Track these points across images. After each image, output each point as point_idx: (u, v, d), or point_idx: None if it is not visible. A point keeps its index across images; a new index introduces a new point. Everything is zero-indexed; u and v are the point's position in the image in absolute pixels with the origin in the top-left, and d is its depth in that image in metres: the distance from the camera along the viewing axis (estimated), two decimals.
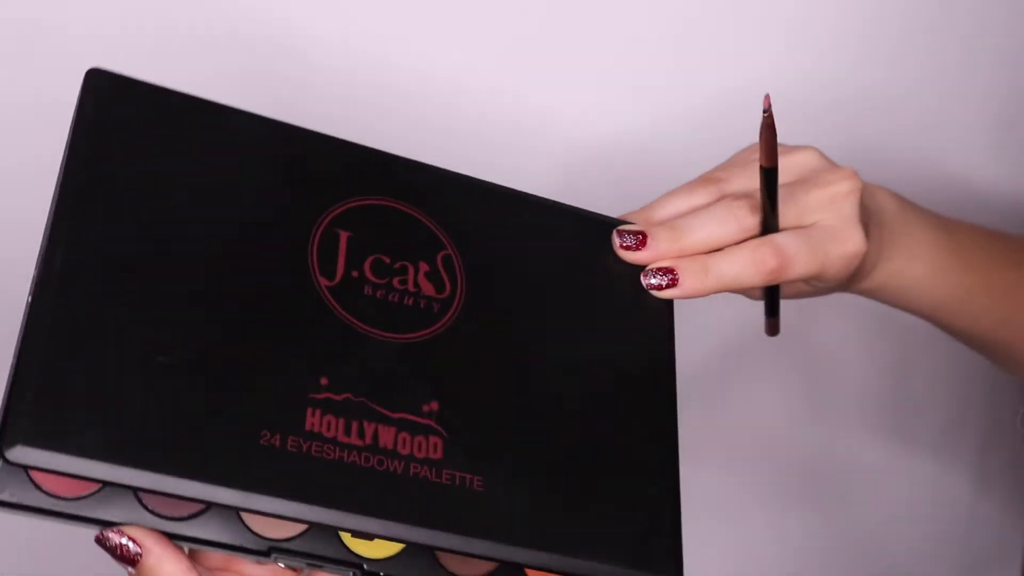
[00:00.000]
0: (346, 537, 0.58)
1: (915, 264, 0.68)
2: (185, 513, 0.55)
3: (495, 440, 0.56)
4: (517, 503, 0.54)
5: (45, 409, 0.49)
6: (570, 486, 0.56)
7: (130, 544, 0.54)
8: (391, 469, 0.53)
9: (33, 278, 0.52)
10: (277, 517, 0.53)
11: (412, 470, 0.54)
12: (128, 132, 0.55)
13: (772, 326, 0.68)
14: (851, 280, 0.67)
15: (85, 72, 0.55)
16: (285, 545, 0.57)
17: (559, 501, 0.55)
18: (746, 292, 0.66)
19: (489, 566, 0.60)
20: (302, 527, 0.57)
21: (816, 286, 0.65)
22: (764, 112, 0.58)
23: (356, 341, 0.56)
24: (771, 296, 0.66)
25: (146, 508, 0.55)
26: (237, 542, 0.56)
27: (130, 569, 0.55)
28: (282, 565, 0.55)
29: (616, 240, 0.62)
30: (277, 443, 0.52)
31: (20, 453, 0.48)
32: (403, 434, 0.54)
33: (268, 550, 0.57)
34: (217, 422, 0.52)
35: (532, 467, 0.56)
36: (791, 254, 0.61)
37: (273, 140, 0.59)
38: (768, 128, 0.58)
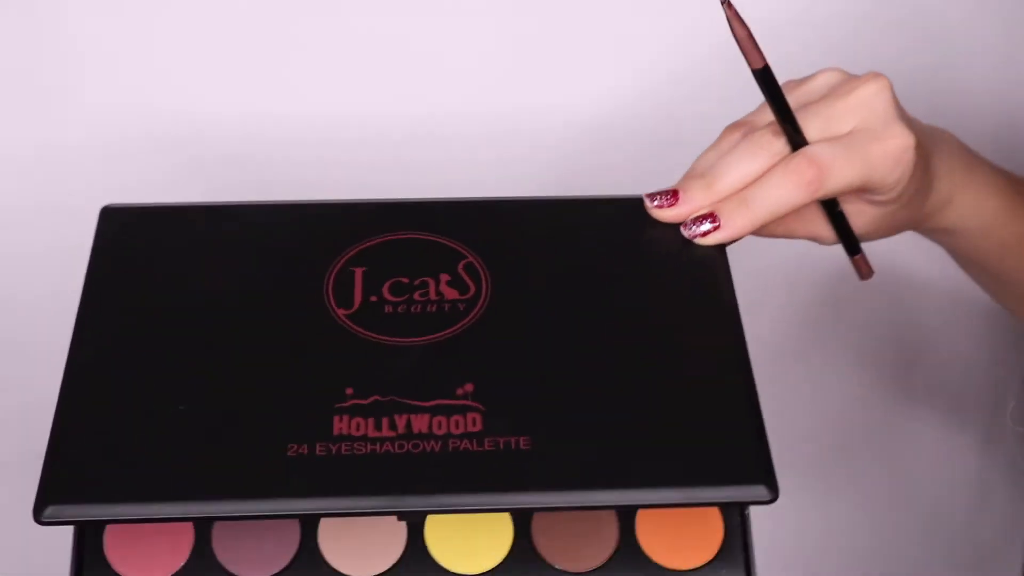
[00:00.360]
0: (442, 557, 0.54)
1: (988, 202, 0.64)
2: (268, 572, 0.54)
3: (539, 402, 0.52)
4: (575, 451, 0.50)
5: (75, 470, 0.50)
6: (635, 423, 0.51)
7: None
8: (429, 449, 0.50)
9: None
10: (311, 517, 0.52)
11: (452, 445, 0.50)
12: (141, 244, 0.58)
13: (859, 266, 0.62)
14: (927, 215, 0.63)
15: (100, 210, 0.60)
16: None
17: (624, 439, 0.50)
18: (817, 238, 0.60)
19: (604, 552, 0.55)
20: (393, 560, 0.54)
21: (879, 202, 0.59)
22: (723, 3, 0.53)
23: (380, 353, 0.53)
24: (839, 228, 0.60)
25: (233, 575, 0.54)
26: None
27: None
28: None
29: (649, 203, 0.58)
30: (305, 451, 0.50)
31: (55, 511, 0.49)
32: (438, 417, 0.51)
33: None
34: (241, 446, 0.50)
35: (585, 417, 0.51)
36: (827, 159, 0.55)
37: (275, 218, 0.59)
38: (736, 22, 0.54)
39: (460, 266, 0.57)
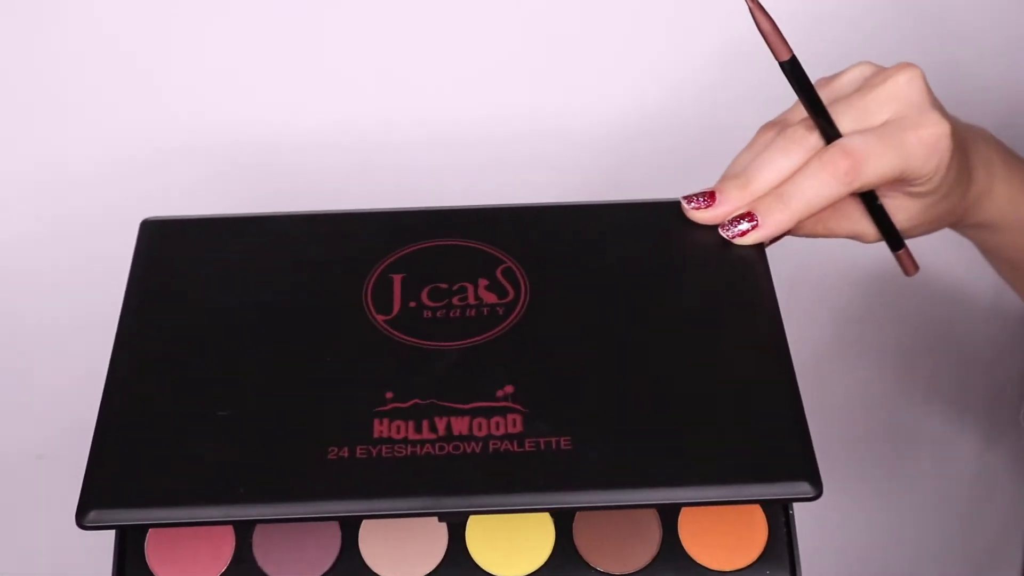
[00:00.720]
0: (484, 560, 0.54)
1: None
2: None
3: (579, 403, 0.51)
4: (616, 450, 0.49)
5: (117, 475, 0.50)
6: (676, 422, 0.50)
7: None
8: (469, 451, 0.50)
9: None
10: (352, 519, 0.52)
11: (492, 447, 0.49)
12: (181, 254, 0.59)
13: (904, 261, 0.61)
14: (966, 208, 0.62)
15: (140, 224, 0.60)
16: None
17: (666, 438, 0.50)
18: (858, 235, 0.60)
19: (647, 554, 0.54)
20: (434, 563, 0.54)
21: (918, 193, 0.58)
22: None
23: (419, 357, 0.52)
24: (880, 223, 0.59)
25: None
26: None
27: None
28: None
29: (686, 205, 0.57)
30: (346, 454, 0.50)
31: (97, 516, 0.49)
32: (478, 419, 0.51)
33: None
34: (282, 450, 0.50)
35: (626, 417, 0.51)
36: (861, 150, 0.55)
37: (313, 227, 0.60)
38: (760, 14, 0.53)
39: (499, 271, 0.56)
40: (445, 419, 0.50)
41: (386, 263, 0.57)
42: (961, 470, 0.94)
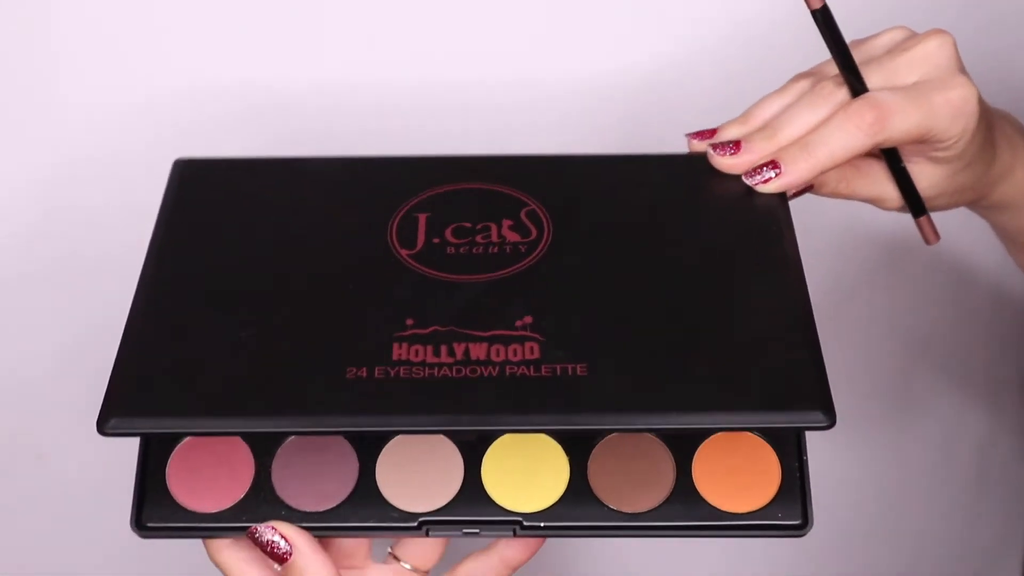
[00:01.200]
0: (498, 495, 0.55)
1: None
2: (326, 506, 0.54)
3: (597, 333, 0.52)
4: (632, 377, 0.50)
5: (140, 385, 0.51)
6: (692, 351, 0.51)
7: (281, 542, 0.53)
8: (486, 375, 0.50)
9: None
10: (365, 435, 0.52)
11: (509, 371, 0.50)
12: (212, 190, 0.60)
13: (925, 228, 0.62)
14: (988, 184, 0.62)
15: (172, 163, 0.61)
16: (435, 516, 0.54)
17: (681, 366, 0.50)
18: (879, 199, 0.60)
19: (660, 494, 0.55)
20: (449, 496, 0.55)
21: (942, 159, 0.59)
22: None
23: (440, 288, 0.53)
24: (903, 186, 0.60)
25: (291, 508, 0.54)
26: (386, 523, 0.54)
27: (277, 567, 0.54)
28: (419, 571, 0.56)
29: (712, 152, 0.58)
30: (364, 374, 0.50)
31: (118, 423, 0.50)
32: (496, 346, 0.51)
33: (419, 524, 0.54)
34: (301, 369, 0.51)
35: (642, 346, 0.51)
36: (888, 103, 0.55)
37: (342, 169, 0.61)
38: None
39: (523, 213, 0.57)
40: (464, 344, 0.51)
41: (411, 203, 0.58)
42: (961, 470, 0.94)
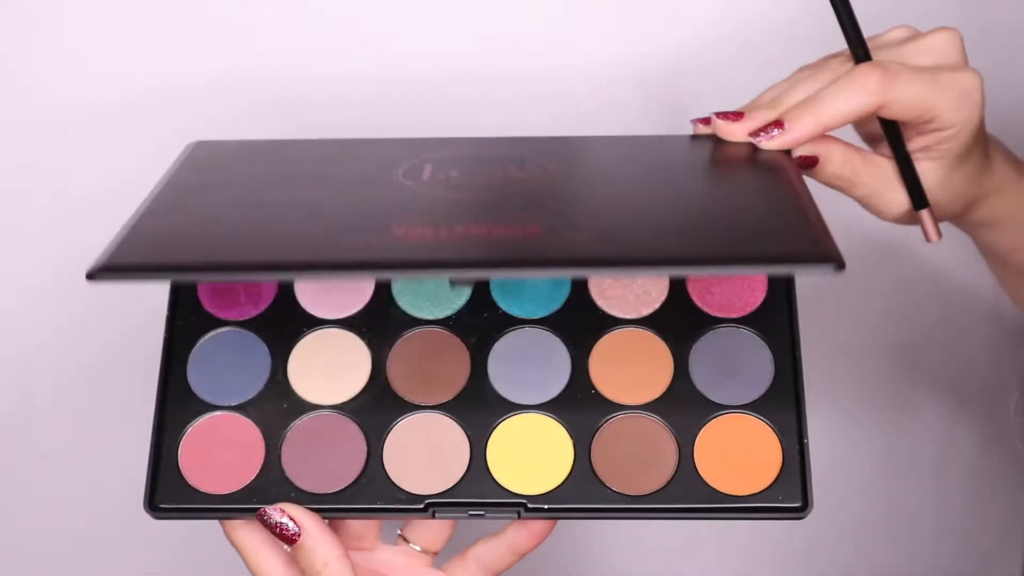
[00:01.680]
0: (503, 477, 0.56)
1: None
2: (334, 488, 0.55)
3: (599, 219, 0.52)
4: (635, 239, 0.50)
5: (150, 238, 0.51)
6: (698, 227, 0.51)
7: (290, 523, 0.54)
8: (481, 235, 0.51)
9: None
10: (370, 277, 0.56)
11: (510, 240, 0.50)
12: (223, 162, 0.60)
13: (926, 224, 0.62)
14: (981, 196, 0.62)
15: (193, 145, 0.62)
16: (441, 498, 0.55)
17: (689, 226, 0.51)
18: (880, 191, 0.60)
19: (663, 476, 0.56)
20: (455, 479, 0.55)
21: (943, 152, 0.59)
22: None
23: (442, 200, 0.54)
24: (906, 174, 0.60)
25: (300, 489, 0.55)
26: (393, 504, 0.55)
27: (287, 547, 0.55)
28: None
29: (716, 119, 0.58)
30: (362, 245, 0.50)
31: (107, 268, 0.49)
32: (498, 228, 0.51)
33: (426, 506, 0.55)
34: (300, 240, 0.51)
35: (648, 223, 0.51)
36: (894, 67, 0.56)
37: (346, 149, 0.61)
38: None
39: (528, 163, 0.58)
40: (463, 227, 0.51)
41: (420, 157, 0.58)
42: (961, 470, 0.94)
